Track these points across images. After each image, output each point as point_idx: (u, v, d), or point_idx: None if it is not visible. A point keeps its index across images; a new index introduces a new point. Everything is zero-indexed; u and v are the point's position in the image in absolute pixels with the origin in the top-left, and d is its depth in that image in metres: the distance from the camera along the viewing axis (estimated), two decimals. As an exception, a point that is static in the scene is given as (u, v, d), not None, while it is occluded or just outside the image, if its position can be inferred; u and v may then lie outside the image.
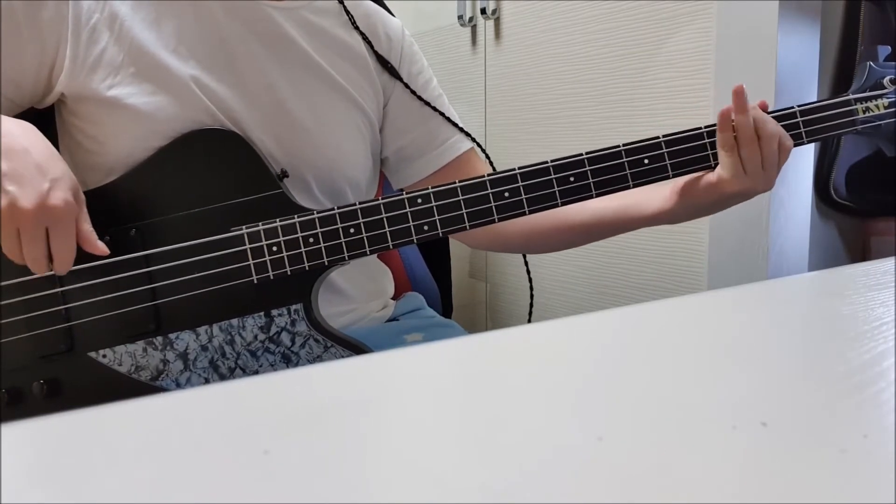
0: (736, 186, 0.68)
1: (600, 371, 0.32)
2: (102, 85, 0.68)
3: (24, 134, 0.61)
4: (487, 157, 0.89)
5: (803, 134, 0.70)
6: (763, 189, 0.69)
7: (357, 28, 0.81)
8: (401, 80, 0.83)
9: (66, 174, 0.61)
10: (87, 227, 0.62)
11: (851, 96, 0.71)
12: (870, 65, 0.71)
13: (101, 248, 0.63)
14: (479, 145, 0.89)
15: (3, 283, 0.65)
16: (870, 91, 0.71)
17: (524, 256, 0.92)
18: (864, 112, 0.70)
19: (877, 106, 0.70)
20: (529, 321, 0.98)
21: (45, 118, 0.75)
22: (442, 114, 0.85)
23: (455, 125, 0.86)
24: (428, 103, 0.85)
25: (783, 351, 0.35)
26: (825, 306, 0.43)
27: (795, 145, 0.70)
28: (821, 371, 0.31)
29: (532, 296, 0.93)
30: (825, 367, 0.31)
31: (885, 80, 0.70)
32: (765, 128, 0.67)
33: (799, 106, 0.70)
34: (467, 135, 0.87)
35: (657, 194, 0.75)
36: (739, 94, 0.67)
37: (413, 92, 0.84)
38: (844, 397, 0.27)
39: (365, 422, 0.26)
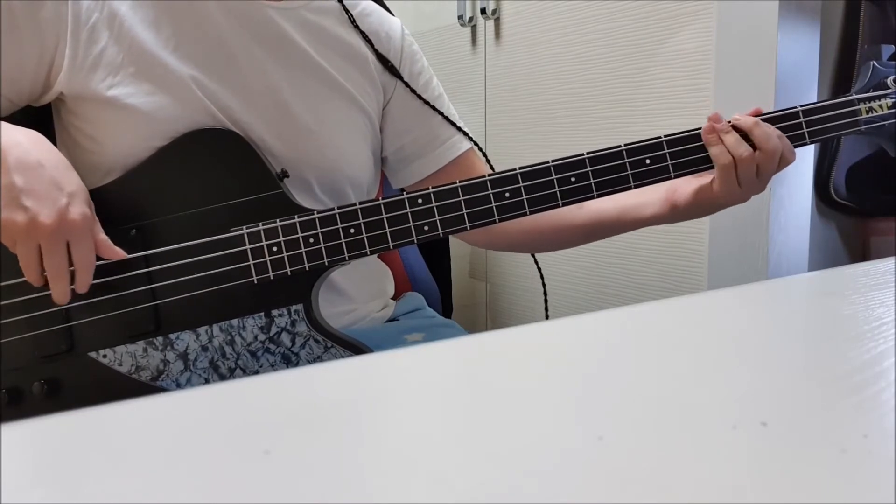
0: (734, 200, 0.71)
1: (600, 371, 0.32)
2: (102, 85, 0.68)
3: (36, 146, 0.62)
4: (486, 157, 0.89)
5: (806, 134, 0.70)
6: (756, 193, 0.71)
7: (357, 27, 0.81)
8: (401, 78, 0.83)
9: (81, 186, 0.63)
10: (102, 235, 0.64)
11: (855, 96, 0.70)
12: (873, 64, 0.71)
13: (119, 252, 0.65)
14: (477, 146, 0.89)
15: (3, 284, 0.65)
16: (873, 91, 0.70)
17: (534, 256, 0.92)
18: (867, 112, 0.70)
19: (880, 106, 0.70)
20: (547, 318, 0.98)
21: (42, 116, 0.75)
22: (442, 114, 0.85)
23: (455, 125, 0.86)
24: (428, 103, 0.85)
25: (783, 351, 0.35)
26: (825, 306, 0.43)
27: (798, 146, 0.70)
28: (821, 371, 0.31)
29: (545, 291, 0.93)
30: (825, 367, 0.31)
31: (889, 80, 0.70)
32: (767, 144, 0.68)
33: (802, 106, 0.70)
34: (467, 135, 0.87)
35: (654, 198, 0.76)
36: (715, 119, 0.69)
37: (413, 91, 0.84)
38: (844, 397, 0.27)
39: (365, 422, 0.26)
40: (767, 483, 0.21)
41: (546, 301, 0.93)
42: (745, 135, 0.68)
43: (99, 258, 0.64)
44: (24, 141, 0.61)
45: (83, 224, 0.61)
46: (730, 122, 0.69)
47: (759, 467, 0.22)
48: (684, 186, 0.73)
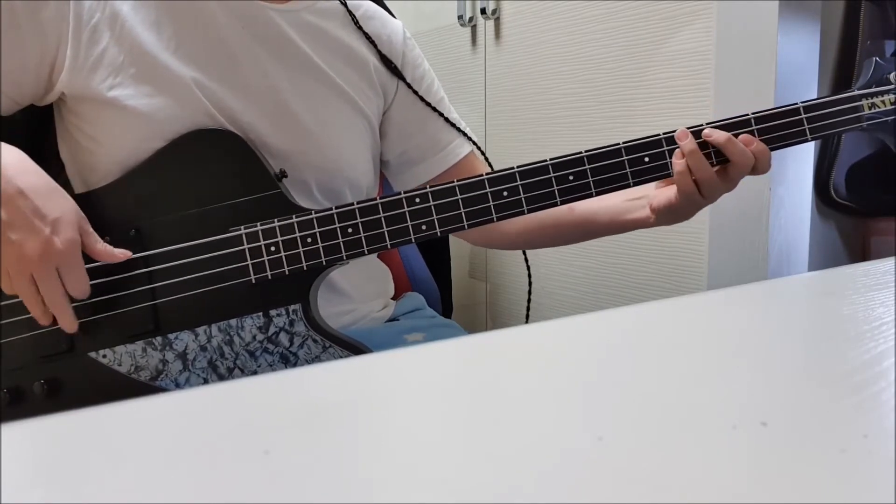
0: (700, 206, 0.71)
1: (600, 371, 0.32)
2: (103, 85, 0.68)
3: (18, 172, 0.61)
4: (487, 160, 0.89)
5: (807, 131, 0.69)
6: (725, 193, 0.70)
7: (361, 29, 0.81)
8: (404, 80, 0.83)
9: (66, 209, 0.62)
10: (100, 245, 0.64)
11: (857, 92, 0.70)
12: (875, 60, 0.70)
13: (123, 254, 0.65)
14: (479, 148, 0.89)
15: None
16: (875, 87, 0.70)
17: (525, 255, 0.92)
18: (869, 108, 0.69)
19: (882, 102, 0.69)
20: (527, 320, 0.98)
21: (44, 116, 0.75)
22: (444, 117, 0.86)
23: (457, 129, 0.86)
24: (430, 105, 0.85)
25: (783, 351, 0.35)
26: (825, 306, 0.43)
27: (799, 142, 0.69)
28: (821, 371, 0.31)
29: (530, 292, 0.93)
30: (825, 367, 0.31)
31: (891, 76, 0.69)
32: (741, 159, 0.67)
33: (803, 102, 0.69)
34: (469, 138, 0.87)
35: (640, 203, 0.76)
36: (681, 137, 0.68)
37: (416, 93, 0.84)
38: (844, 397, 0.27)
39: (365, 422, 0.26)
40: (767, 483, 0.21)
41: (529, 301, 0.93)
42: (717, 150, 0.67)
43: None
44: (6, 167, 0.60)
45: (69, 251, 0.61)
46: (700, 137, 0.68)
47: (759, 467, 0.22)
48: (659, 196, 0.73)
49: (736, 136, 0.68)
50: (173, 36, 0.71)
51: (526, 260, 0.92)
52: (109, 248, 0.64)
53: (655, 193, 0.74)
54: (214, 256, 0.67)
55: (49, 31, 0.67)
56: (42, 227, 0.59)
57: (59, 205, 0.62)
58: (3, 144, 0.63)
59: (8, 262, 0.59)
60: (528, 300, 0.94)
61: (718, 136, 0.67)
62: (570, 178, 0.68)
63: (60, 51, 0.67)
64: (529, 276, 0.92)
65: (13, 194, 0.59)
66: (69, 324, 0.63)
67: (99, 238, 0.64)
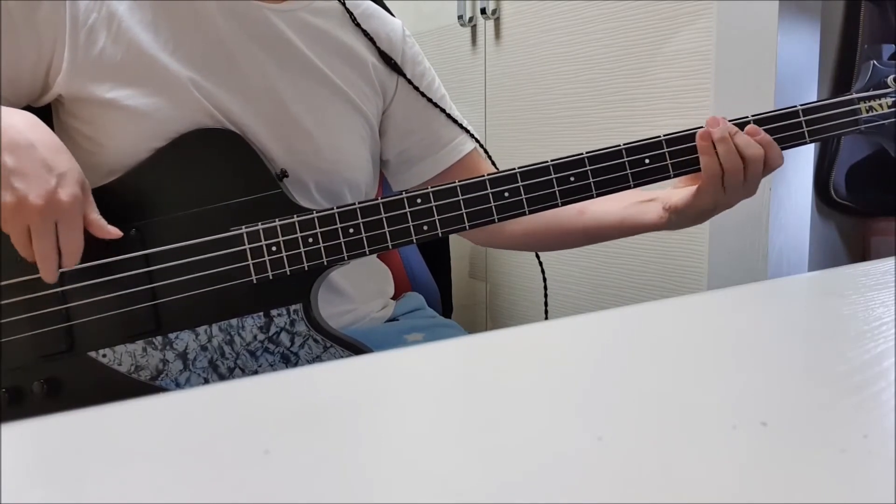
0: (720, 206, 0.71)
1: (600, 371, 0.32)
2: (101, 87, 0.68)
3: (29, 127, 0.62)
4: (489, 157, 0.89)
5: (806, 133, 0.69)
6: (745, 198, 0.71)
7: (360, 27, 0.81)
8: (404, 76, 0.83)
9: (73, 167, 0.62)
10: (95, 215, 0.64)
11: (855, 95, 0.70)
12: (873, 63, 0.71)
13: (112, 231, 0.64)
14: (482, 146, 0.88)
15: (3, 283, 0.65)
16: (873, 90, 0.70)
17: (538, 257, 0.92)
18: (867, 111, 0.70)
19: (880, 105, 0.70)
20: (546, 317, 0.99)
21: (42, 117, 0.74)
22: (446, 114, 0.85)
23: (459, 125, 0.86)
24: (432, 101, 0.85)
25: (783, 351, 0.35)
26: (825, 306, 0.43)
27: (798, 145, 0.70)
28: (821, 371, 0.31)
29: (546, 293, 0.93)
30: (825, 367, 0.31)
31: (889, 79, 0.70)
32: (747, 151, 0.67)
33: (802, 105, 0.70)
34: (471, 135, 0.87)
35: (653, 206, 0.76)
36: (712, 124, 0.68)
37: (417, 89, 0.84)
38: (844, 397, 0.27)
39: (365, 422, 0.26)
40: (767, 483, 0.21)
41: (546, 301, 0.93)
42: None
43: (100, 255, 0.64)
44: (17, 122, 0.61)
45: (71, 205, 0.61)
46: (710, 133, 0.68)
47: (759, 467, 0.22)
48: (677, 194, 0.73)
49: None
50: (171, 37, 0.71)
51: (540, 263, 0.92)
52: (103, 220, 0.64)
53: (670, 193, 0.74)
54: (215, 256, 0.67)
55: (45, 32, 0.67)
56: (49, 178, 0.60)
57: (67, 162, 0.62)
58: (15, 109, 0.63)
59: (5, 208, 0.59)
60: (545, 301, 0.94)
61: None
62: (572, 179, 0.68)
63: (57, 52, 0.67)
64: (544, 275, 0.93)
65: (25, 145, 0.59)
66: (51, 274, 0.62)
67: (96, 207, 0.64)
